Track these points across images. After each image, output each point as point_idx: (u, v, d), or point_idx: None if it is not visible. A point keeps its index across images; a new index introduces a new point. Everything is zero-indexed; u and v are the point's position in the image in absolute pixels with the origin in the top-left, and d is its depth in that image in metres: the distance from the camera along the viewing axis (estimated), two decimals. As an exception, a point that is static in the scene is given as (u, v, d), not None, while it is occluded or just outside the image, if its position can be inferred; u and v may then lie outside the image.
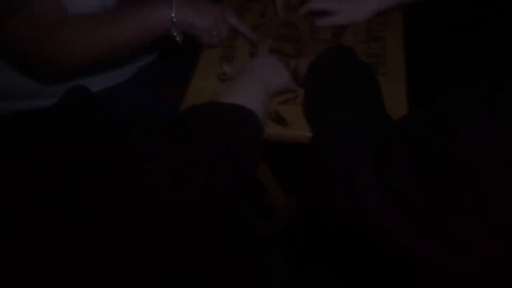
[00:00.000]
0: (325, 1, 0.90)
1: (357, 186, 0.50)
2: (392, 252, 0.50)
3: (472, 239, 0.42)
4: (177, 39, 0.79)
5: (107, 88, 0.91)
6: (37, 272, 0.39)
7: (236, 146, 0.57)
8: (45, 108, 0.82)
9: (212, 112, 0.61)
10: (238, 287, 0.64)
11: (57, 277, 0.39)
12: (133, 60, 0.92)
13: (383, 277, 0.81)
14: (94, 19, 0.75)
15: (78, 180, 0.43)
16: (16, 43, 0.72)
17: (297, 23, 0.91)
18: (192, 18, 0.79)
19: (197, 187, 0.50)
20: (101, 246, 0.41)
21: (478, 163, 0.39)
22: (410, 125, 0.48)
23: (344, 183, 0.52)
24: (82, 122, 0.50)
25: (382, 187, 0.48)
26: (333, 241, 0.99)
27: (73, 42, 0.73)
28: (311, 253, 1.13)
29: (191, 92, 0.80)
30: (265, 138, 0.68)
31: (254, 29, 0.89)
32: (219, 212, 0.55)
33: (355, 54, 0.72)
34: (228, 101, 0.63)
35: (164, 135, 0.53)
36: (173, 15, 0.76)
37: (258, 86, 0.69)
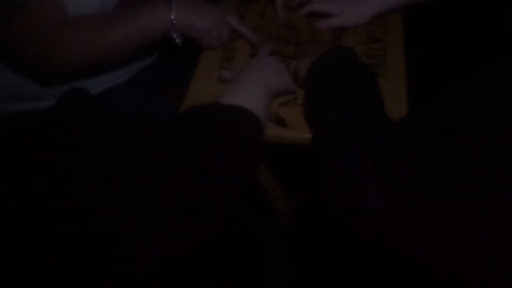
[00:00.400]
0: (325, 3, 0.90)
1: (357, 186, 0.50)
2: (392, 252, 0.50)
3: (473, 239, 0.42)
4: (177, 40, 0.79)
5: (107, 89, 0.91)
6: (37, 272, 0.39)
7: (237, 147, 0.57)
8: (44, 109, 0.82)
9: (213, 113, 0.61)
10: (238, 287, 0.64)
11: (57, 277, 0.39)
12: (133, 61, 0.92)
13: (383, 277, 0.81)
14: (94, 21, 0.75)
15: (78, 181, 0.43)
16: (16, 45, 0.72)
17: (297, 25, 0.91)
18: (192, 20, 0.79)
19: (198, 188, 0.50)
20: (101, 247, 0.41)
21: (478, 164, 0.39)
22: (410, 126, 0.48)
23: (344, 183, 0.52)
24: (81, 123, 0.50)
25: (382, 188, 0.48)
26: (333, 241, 0.99)
27: (73, 44, 0.73)
28: (311, 253, 1.13)
29: (191, 93, 0.80)
30: (265, 139, 0.68)
31: (254, 31, 0.89)
32: (220, 213, 0.55)
33: (355, 55, 0.72)
34: (229, 102, 0.63)
35: (164, 136, 0.53)
36: (173, 17, 0.76)
37: (259, 86, 0.69)
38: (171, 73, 1.00)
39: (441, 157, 0.42)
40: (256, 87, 0.68)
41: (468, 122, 0.40)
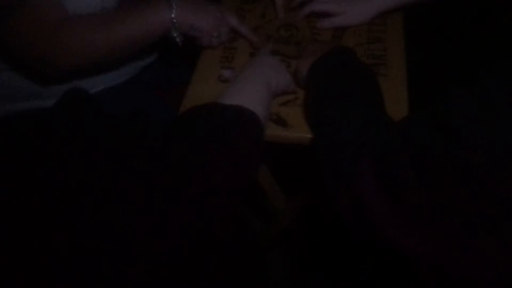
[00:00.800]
0: (326, 3, 0.90)
1: (358, 186, 0.50)
2: (392, 252, 0.50)
3: (473, 240, 0.42)
4: (177, 40, 0.79)
5: (106, 88, 0.91)
6: (36, 272, 0.38)
7: (237, 147, 0.57)
8: (44, 108, 0.82)
9: (213, 113, 0.60)
10: (238, 287, 0.64)
11: (57, 277, 0.39)
12: (133, 61, 0.92)
13: (383, 278, 0.81)
14: (94, 20, 0.75)
15: (77, 181, 0.43)
16: (15, 43, 0.72)
17: (297, 25, 0.91)
18: (193, 20, 0.78)
19: (198, 189, 0.50)
20: (101, 247, 0.41)
21: (481, 164, 0.39)
22: (411, 126, 0.48)
23: (344, 183, 0.52)
24: (81, 123, 0.50)
25: (383, 188, 0.48)
26: (332, 242, 0.99)
27: (73, 43, 0.73)
28: (311, 253, 1.13)
29: (191, 93, 0.80)
30: (265, 139, 0.68)
31: (254, 31, 0.89)
32: (220, 214, 0.54)
33: (356, 55, 0.71)
34: (229, 101, 0.63)
35: (164, 137, 0.53)
36: (173, 16, 0.76)
37: (259, 86, 0.69)
38: (171, 73, 1.00)
39: (442, 157, 0.42)
40: (257, 87, 0.68)
41: (471, 122, 0.40)
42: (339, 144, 0.56)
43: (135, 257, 0.43)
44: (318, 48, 0.73)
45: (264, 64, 0.74)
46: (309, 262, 1.12)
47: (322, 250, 1.07)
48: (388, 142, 0.49)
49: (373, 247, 0.54)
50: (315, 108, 0.67)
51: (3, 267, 0.38)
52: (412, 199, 0.44)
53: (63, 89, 0.57)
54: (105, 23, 0.75)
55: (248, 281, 0.67)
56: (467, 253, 0.44)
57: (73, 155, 0.45)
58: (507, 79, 0.40)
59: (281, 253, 1.25)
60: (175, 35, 0.78)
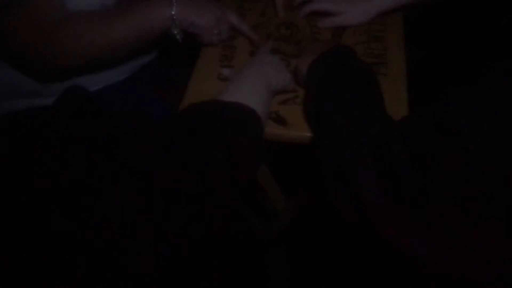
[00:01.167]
0: (326, 2, 0.90)
1: (358, 186, 0.50)
2: (392, 252, 0.50)
3: (473, 240, 0.42)
4: (177, 37, 0.79)
5: (106, 86, 0.90)
6: (36, 271, 0.38)
7: (237, 145, 0.57)
8: (43, 107, 0.82)
9: (212, 110, 0.60)
10: (238, 287, 0.64)
11: (56, 276, 0.39)
12: (133, 58, 0.92)
13: (382, 278, 0.81)
14: (94, 17, 0.75)
15: (76, 180, 0.43)
16: (15, 41, 0.71)
17: (297, 23, 0.91)
18: (193, 17, 0.78)
19: (198, 187, 0.50)
20: (100, 246, 0.41)
21: (481, 164, 0.39)
22: (411, 125, 0.48)
23: (344, 182, 0.52)
24: (80, 121, 0.50)
25: (382, 187, 0.47)
26: (332, 241, 0.99)
27: (73, 40, 0.73)
28: (311, 253, 1.13)
29: (190, 91, 0.80)
30: (265, 138, 0.67)
31: (254, 29, 0.89)
32: (220, 213, 0.54)
33: (356, 54, 0.71)
34: (228, 99, 0.63)
35: (163, 134, 0.52)
36: (173, 13, 0.76)
37: (259, 84, 0.68)
38: (170, 71, 1.00)
39: (443, 157, 0.42)
40: (256, 85, 0.68)
41: (472, 122, 0.40)
42: (339, 144, 0.56)
43: (135, 257, 0.43)
44: (318, 47, 0.73)
45: (264, 63, 0.74)
46: (309, 262, 1.12)
47: (322, 250, 1.07)
48: (388, 142, 0.49)
49: (373, 246, 0.54)
50: (315, 107, 0.67)
51: (3, 267, 0.37)
52: (412, 199, 0.44)
53: (63, 87, 0.57)
54: (105, 20, 0.75)
55: (248, 281, 0.67)
56: (467, 253, 0.44)
57: (73, 155, 0.45)
58: (506, 79, 0.40)
59: (281, 253, 1.25)
60: (175, 32, 0.78)
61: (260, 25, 0.91)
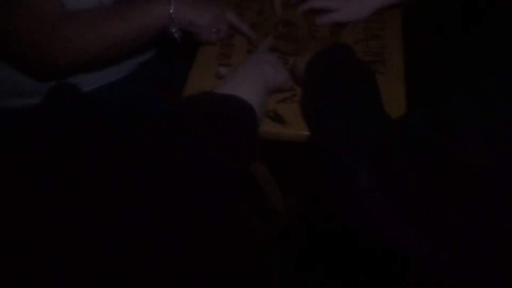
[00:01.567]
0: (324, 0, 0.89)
1: (357, 185, 0.50)
2: (392, 252, 0.49)
3: (473, 240, 0.42)
4: (176, 35, 0.79)
5: (104, 85, 0.90)
6: (36, 271, 0.38)
7: (231, 137, 0.56)
8: (33, 106, 0.82)
9: (207, 102, 0.60)
10: (238, 287, 0.64)
11: (56, 276, 0.39)
12: (132, 57, 0.92)
13: (382, 278, 0.80)
14: (93, 16, 0.75)
15: (70, 179, 0.43)
16: (13, 40, 0.71)
17: (295, 22, 0.91)
18: (191, 15, 0.78)
19: (196, 182, 0.50)
20: (99, 246, 0.41)
21: (480, 163, 0.39)
22: (410, 124, 0.48)
23: (343, 182, 0.52)
24: (70, 119, 0.50)
25: (381, 187, 0.47)
26: (332, 241, 0.99)
27: (71, 39, 0.73)
28: (310, 253, 1.13)
29: (188, 89, 0.80)
30: (263, 136, 0.67)
31: (252, 28, 0.88)
32: (217, 209, 0.54)
33: (354, 53, 0.71)
34: (224, 92, 0.62)
35: (158, 128, 0.52)
36: (171, 11, 0.76)
37: (256, 81, 0.68)
38: (168, 69, 1.00)
39: (442, 157, 0.42)
40: (254, 82, 0.68)
41: (470, 121, 0.41)
42: (338, 143, 0.56)
43: (134, 256, 0.43)
44: (316, 45, 0.73)
45: (262, 61, 0.73)
46: (309, 262, 1.12)
47: (322, 250, 1.07)
48: (387, 142, 0.49)
49: (373, 246, 0.54)
50: (313, 105, 0.66)
51: (3, 267, 0.37)
52: (412, 199, 0.44)
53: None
54: (104, 18, 0.75)
55: (248, 281, 0.67)
56: (466, 253, 0.44)
57: (66, 153, 0.45)
58: (506, 79, 0.41)
59: (281, 253, 1.24)
60: (174, 30, 0.78)
61: (258, 24, 0.91)
